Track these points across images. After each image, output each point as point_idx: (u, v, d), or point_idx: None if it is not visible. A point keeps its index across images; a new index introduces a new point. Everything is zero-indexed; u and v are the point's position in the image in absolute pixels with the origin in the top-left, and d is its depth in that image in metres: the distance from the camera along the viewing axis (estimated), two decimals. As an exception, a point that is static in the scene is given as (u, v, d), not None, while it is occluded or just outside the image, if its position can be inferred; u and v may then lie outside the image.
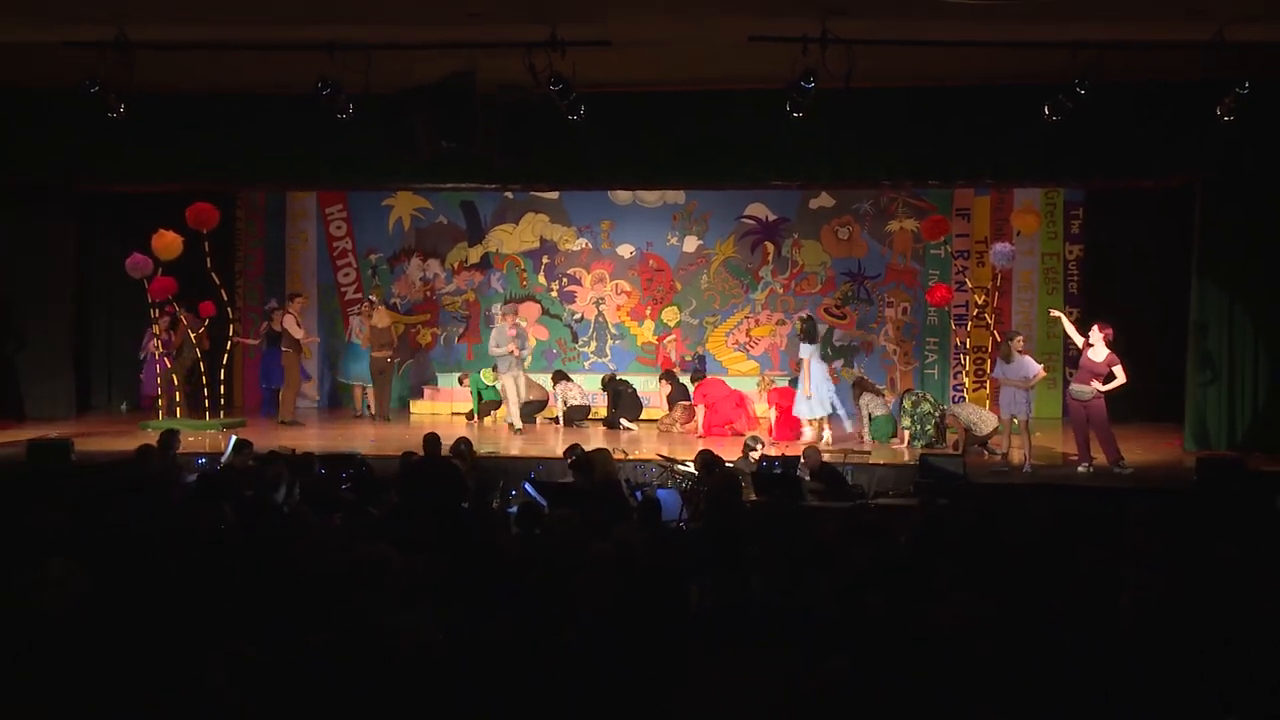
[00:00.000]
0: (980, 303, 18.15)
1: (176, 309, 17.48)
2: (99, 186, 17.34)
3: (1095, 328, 13.81)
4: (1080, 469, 13.64)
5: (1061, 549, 7.75)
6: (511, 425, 16.88)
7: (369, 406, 18.91)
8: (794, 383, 16.68)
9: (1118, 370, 13.51)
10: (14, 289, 17.86)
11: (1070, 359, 17.49)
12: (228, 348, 18.52)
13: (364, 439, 16.40)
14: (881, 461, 14.33)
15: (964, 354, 18.98)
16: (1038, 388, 14.86)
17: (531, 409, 17.61)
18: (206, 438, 15.93)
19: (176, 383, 17.74)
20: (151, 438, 14.14)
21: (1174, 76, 14.08)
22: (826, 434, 16.03)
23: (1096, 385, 13.50)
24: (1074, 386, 13.78)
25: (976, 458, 14.45)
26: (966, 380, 18.75)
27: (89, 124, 14.29)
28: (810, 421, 16.15)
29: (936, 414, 15.71)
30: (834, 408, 16.26)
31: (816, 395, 15.98)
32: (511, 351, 16.67)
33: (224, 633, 5.47)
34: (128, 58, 12.50)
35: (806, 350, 16.01)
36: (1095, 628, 5.78)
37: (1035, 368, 14.23)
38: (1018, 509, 10.11)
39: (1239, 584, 6.78)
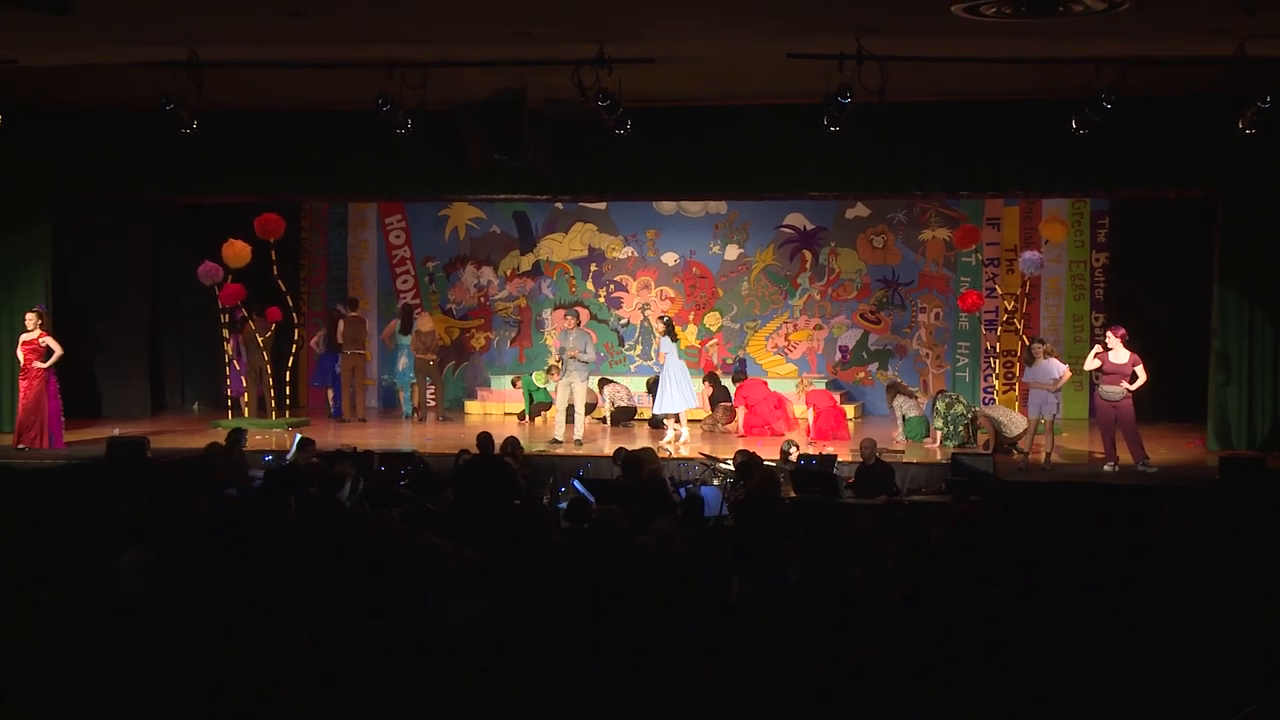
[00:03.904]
0: (1010, 308, 18.05)
1: (245, 314, 17.64)
2: (172, 198, 17.51)
3: (1109, 333, 13.78)
4: (1106, 468, 13.57)
5: (1087, 544, 7.72)
6: (578, 441, 15.47)
7: (414, 407, 19.00)
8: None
9: (1139, 369, 13.44)
10: (93, 295, 18.08)
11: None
12: (293, 350, 18.67)
13: (421, 438, 16.48)
14: (915, 460, 14.29)
15: (994, 357, 18.87)
16: (1066, 388, 14.84)
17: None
18: (273, 436, 16.06)
19: (245, 383, 17.92)
20: (221, 435, 14.29)
21: (1196, 90, 13.98)
22: (684, 430, 15.78)
23: (1125, 385, 13.45)
24: (1103, 388, 13.70)
25: (1006, 457, 14.38)
26: (996, 383, 18.64)
27: (164, 140, 14.45)
28: (670, 416, 15.80)
29: (969, 415, 15.64)
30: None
31: (682, 391, 15.71)
32: (575, 356, 15.42)
33: (287, 619, 5.53)
34: (199, 77, 12.65)
35: (668, 346, 15.85)
36: (1119, 620, 5.76)
37: (1060, 369, 14.21)
38: (1046, 506, 10.10)
39: (1260, 579, 6.74)
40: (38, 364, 14.80)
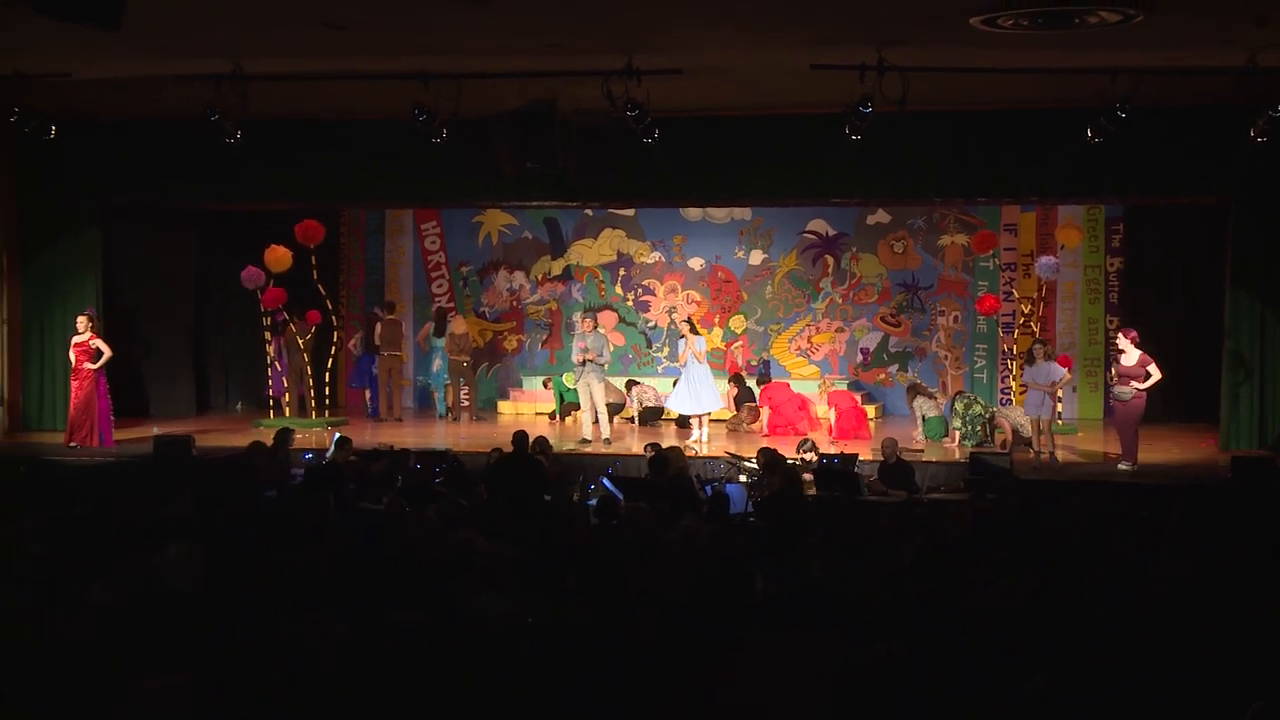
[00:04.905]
0: (1026, 312, 18.01)
1: (287, 317, 17.73)
2: (217, 206, 17.61)
3: (1120, 335, 13.76)
4: (1120, 466, 13.53)
5: (1102, 542, 7.70)
6: (606, 440, 15.56)
7: (447, 406, 19.07)
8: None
9: (1152, 369, 13.39)
10: (140, 299, 18.20)
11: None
12: (332, 352, 18.76)
13: (455, 437, 16.52)
14: (934, 459, 14.27)
15: (1011, 359, 18.80)
16: (1081, 390, 14.84)
17: (610, 410, 17.54)
18: (313, 435, 16.13)
19: (286, 384, 18.01)
20: (263, 434, 14.37)
21: (1208, 100, 13.91)
22: (705, 431, 15.75)
23: (1135, 385, 13.40)
24: (1115, 389, 13.69)
25: (1022, 456, 14.34)
26: (1013, 384, 18.56)
27: (208, 149, 14.53)
28: (696, 416, 15.80)
29: (986, 415, 15.60)
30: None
31: (706, 391, 15.72)
32: (593, 359, 15.55)
33: (325, 610, 5.55)
34: (243, 89, 12.72)
35: (702, 345, 15.84)
36: (1132, 616, 5.74)
37: (1059, 373, 14.22)
38: (1062, 504, 10.06)
39: (1268, 577, 6.70)
40: (88, 365, 14.93)
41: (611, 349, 16.68)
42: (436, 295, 20.57)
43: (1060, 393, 14.77)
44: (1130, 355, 13.46)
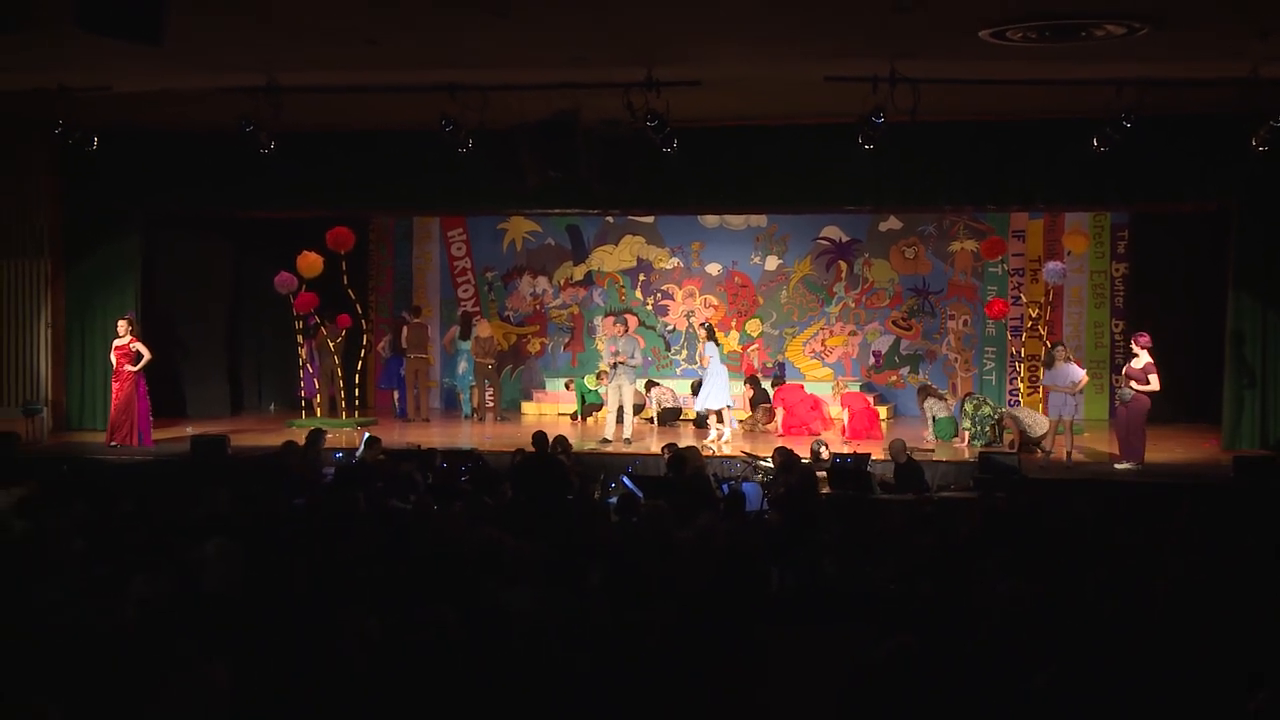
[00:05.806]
0: (1034, 315, 17.97)
1: (318, 321, 17.79)
2: (251, 213, 17.68)
3: (1133, 340, 13.74)
4: (1118, 466, 13.49)
5: (1106, 538, 7.67)
6: (627, 440, 15.51)
7: (473, 407, 19.10)
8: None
9: (1152, 378, 13.34)
10: (178, 303, 18.29)
11: (1116, 366, 17.29)
12: (361, 355, 18.81)
13: (480, 437, 16.55)
14: (944, 459, 14.23)
15: (1019, 362, 18.77)
16: (1087, 391, 14.78)
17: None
18: (343, 435, 16.18)
19: (318, 385, 18.07)
20: (296, 434, 14.41)
21: (1211, 110, 13.87)
22: (726, 429, 15.72)
23: (1134, 386, 13.38)
24: (1119, 390, 13.68)
25: (1030, 455, 14.31)
26: (1021, 386, 18.54)
27: (243, 159, 14.57)
28: (712, 413, 15.79)
29: (995, 416, 15.56)
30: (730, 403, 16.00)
31: (720, 390, 15.71)
32: (624, 361, 15.45)
33: (356, 605, 5.57)
34: (278, 101, 12.76)
35: (711, 350, 15.83)
36: (1137, 612, 5.72)
37: (1078, 374, 14.17)
38: (1069, 503, 10.02)
39: (1271, 574, 6.68)
40: (128, 367, 15.00)
41: (642, 349, 16.65)
42: (462, 300, 20.62)
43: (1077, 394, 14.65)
44: (1139, 359, 13.44)
